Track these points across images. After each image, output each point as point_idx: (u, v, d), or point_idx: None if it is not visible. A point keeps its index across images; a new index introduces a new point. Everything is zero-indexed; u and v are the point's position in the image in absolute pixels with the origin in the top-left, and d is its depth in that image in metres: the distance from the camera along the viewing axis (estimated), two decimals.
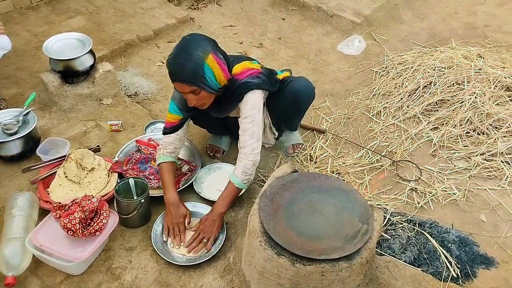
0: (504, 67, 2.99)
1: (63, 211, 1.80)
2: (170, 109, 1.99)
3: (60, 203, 1.84)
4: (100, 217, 1.79)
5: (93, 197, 1.82)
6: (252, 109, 1.89)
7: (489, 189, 2.37)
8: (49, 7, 3.60)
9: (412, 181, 2.42)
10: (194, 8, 3.91)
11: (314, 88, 2.23)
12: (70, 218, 1.72)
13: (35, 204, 1.93)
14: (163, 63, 3.27)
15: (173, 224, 1.88)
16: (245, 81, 1.88)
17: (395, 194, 2.35)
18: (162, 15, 3.63)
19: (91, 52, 2.57)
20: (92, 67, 2.60)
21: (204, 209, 2.02)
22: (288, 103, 2.14)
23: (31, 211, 1.88)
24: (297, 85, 2.14)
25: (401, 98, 2.94)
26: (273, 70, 2.14)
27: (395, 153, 2.60)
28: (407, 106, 2.89)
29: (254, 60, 2.04)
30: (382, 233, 2.05)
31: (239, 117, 1.95)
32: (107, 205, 1.86)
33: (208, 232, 1.87)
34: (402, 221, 2.14)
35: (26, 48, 3.17)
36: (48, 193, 2.00)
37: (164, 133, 2.03)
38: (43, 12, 3.55)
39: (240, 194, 2.01)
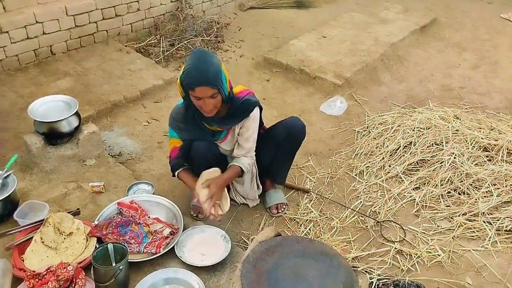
0: (480, 128, 3.09)
1: (37, 280, 1.73)
2: (171, 134, 2.25)
3: (34, 271, 1.77)
4: (76, 286, 1.72)
5: (69, 265, 1.76)
6: (255, 122, 2.23)
7: (473, 250, 2.36)
8: (38, 69, 3.64)
9: (396, 242, 2.40)
10: None
11: (305, 126, 2.41)
12: None
13: (8, 272, 1.85)
14: (148, 122, 3.31)
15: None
16: (247, 98, 2.17)
17: (380, 256, 2.32)
18: (150, 76, 3.72)
19: (76, 114, 2.57)
20: (77, 128, 2.60)
21: (186, 275, 1.95)
22: (281, 141, 2.36)
23: (3, 280, 1.80)
24: (290, 121, 2.40)
25: (383, 158, 2.99)
26: None
27: (379, 213, 2.60)
28: (389, 166, 2.93)
29: None
30: None
31: (236, 139, 2.28)
32: (84, 273, 1.79)
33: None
34: (388, 284, 2.10)
35: (11, 109, 3.17)
36: (23, 260, 1.93)
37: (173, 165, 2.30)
38: (32, 73, 3.59)
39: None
